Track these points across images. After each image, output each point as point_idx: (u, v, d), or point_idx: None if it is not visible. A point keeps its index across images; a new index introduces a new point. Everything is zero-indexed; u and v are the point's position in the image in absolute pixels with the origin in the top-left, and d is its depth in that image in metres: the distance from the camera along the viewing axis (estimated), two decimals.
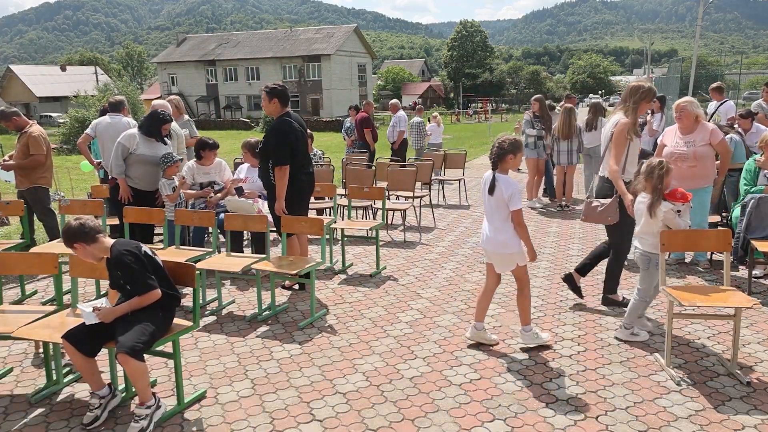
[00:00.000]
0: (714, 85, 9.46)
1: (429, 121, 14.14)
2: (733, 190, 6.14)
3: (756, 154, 5.79)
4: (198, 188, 5.83)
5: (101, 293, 4.79)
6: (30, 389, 3.41)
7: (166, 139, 5.66)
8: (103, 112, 6.72)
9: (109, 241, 3.11)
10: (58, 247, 4.88)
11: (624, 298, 4.63)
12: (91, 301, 3.18)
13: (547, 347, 3.86)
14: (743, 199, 5.20)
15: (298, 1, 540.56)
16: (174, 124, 6.44)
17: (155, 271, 3.11)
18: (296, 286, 5.20)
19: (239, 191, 5.70)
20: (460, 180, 9.64)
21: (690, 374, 3.45)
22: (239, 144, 7.30)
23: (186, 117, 7.22)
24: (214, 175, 5.88)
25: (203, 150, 5.79)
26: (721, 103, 9.14)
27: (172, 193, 5.68)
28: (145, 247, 3.15)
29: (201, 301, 4.74)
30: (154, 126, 5.44)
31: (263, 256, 4.76)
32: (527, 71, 78.53)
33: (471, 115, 49.72)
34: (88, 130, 6.34)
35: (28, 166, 5.82)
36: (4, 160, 6.01)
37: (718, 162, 5.45)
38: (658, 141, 5.61)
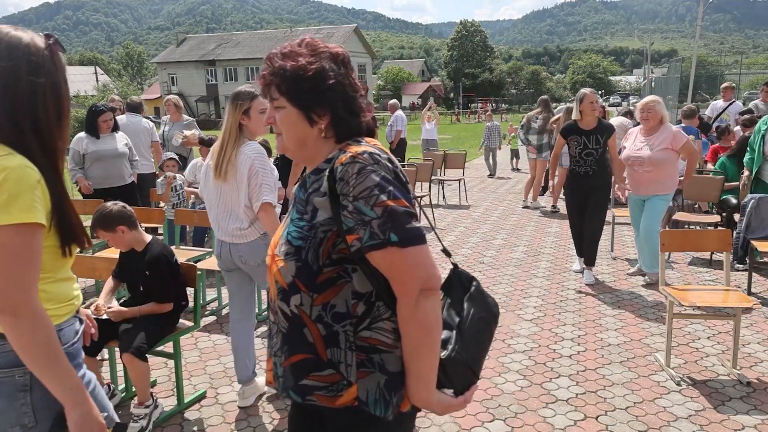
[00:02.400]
0: (725, 84, 9.56)
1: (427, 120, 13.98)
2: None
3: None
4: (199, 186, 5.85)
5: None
6: None
7: (122, 133, 5.68)
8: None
9: (146, 236, 3.09)
10: None
11: None
12: (93, 300, 3.17)
13: (546, 347, 3.86)
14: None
15: (298, 1, 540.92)
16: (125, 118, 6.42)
17: (176, 280, 3.09)
18: None
19: None
20: (459, 180, 9.64)
21: (690, 374, 3.45)
22: None
23: (185, 117, 7.18)
24: None
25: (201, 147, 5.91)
26: (730, 103, 9.19)
27: (162, 192, 5.71)
28: (176, 255, 3.15)
29: (201, 301, 4.74)
30: (90, 121, 5.45)
31: None
32: (527, 71, 78.61)
33: (475, 114, 49.14)
34: None
35: None
36: None
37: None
38: (621, 142, 5.32)
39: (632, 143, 4.98)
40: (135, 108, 6.64)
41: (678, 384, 3.33)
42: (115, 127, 5.64)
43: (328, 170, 1.31)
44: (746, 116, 7.57)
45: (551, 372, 3.52)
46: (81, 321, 1.59)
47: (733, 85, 9.69)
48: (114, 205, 3.00)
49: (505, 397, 3.22)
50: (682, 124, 7.58)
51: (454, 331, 1.38)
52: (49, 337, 1.32)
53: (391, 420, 1.33)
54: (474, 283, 1.47)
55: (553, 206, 8.45)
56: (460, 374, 1.37)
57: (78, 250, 1.50)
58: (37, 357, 1.31)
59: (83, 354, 1.60)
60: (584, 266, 5.28)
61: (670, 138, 4.74)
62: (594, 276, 5.23)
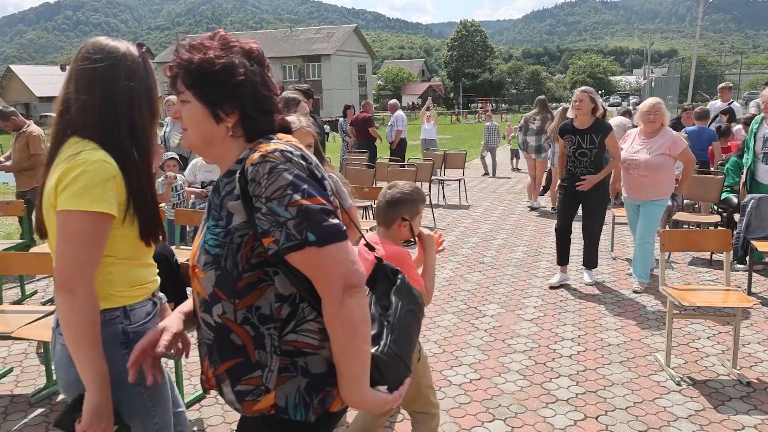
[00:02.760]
0: (722, 84, 9.50)
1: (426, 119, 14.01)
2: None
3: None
4: (199, 186, 5.85)
5: None
6: (30, 389, 3.41)
7: None
8: None
9: None
10: None
11: None
12: None
13: (546, 346, 3.86)
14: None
15: (298, 1, 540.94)
16: None
17: (177, 279, 3.09)
18: None
19: None
20: (459, 180, 9.64)
21: (690, 374, 3.45)
22: None
23: None
24: (216, 174, 5.89)
25: None
26: (729, 104, 9.18)
27: (162, 192, 5.72)
28: (177, 255, 3.13)
29: None
30: None
31: None
32: (527, 71, 78.64)
33: (475, 114, 48.79)
34: None
35: (31, 167, 5.82)
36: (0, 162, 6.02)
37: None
38: (620, 143, 5.07)
39: (630, 145, 4.86)
40: None
41: (678, 384, 3.33)
42: None
43: (239, 171, 1.25)
44: (748, 115, 7.58)
45: (551, 372, 3.52)
46: (155, 304, 1.70)
47: (731, 85, 9.65)
48: None
49: (505, 397, 3.22)
50: (695, 126, 7.53)
51: (385, 326, 1.36)
52: (94, 320, 1.43)
53: (314, 422, 1.30)
54: (399, 275, 1.45)
55: (554, 207, 8.43)
56: (392, 369, 1.34)
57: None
58: (79, 335, 1.41)
59: None
60: (583, 268, 5.25)
61: (669, 143, 4.64)
62: (594, 277, 5.22)
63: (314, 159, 1.31)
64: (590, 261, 5.18)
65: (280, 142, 1.28)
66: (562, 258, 5.22)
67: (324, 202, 1.22)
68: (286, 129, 1.37)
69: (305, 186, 1.21)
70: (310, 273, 1.22)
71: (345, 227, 1.25)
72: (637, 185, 4.78)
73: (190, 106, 1.31)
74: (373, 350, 1.29)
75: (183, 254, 4.74)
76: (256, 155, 1.23)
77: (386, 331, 1.35)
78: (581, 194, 4.94)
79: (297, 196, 1.19)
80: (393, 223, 2.26)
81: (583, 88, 4.99)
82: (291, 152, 1.24)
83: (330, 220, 1.21)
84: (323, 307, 1.24)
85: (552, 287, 5.09)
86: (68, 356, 1.48)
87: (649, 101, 4.80)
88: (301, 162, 1.24)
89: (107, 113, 1.50)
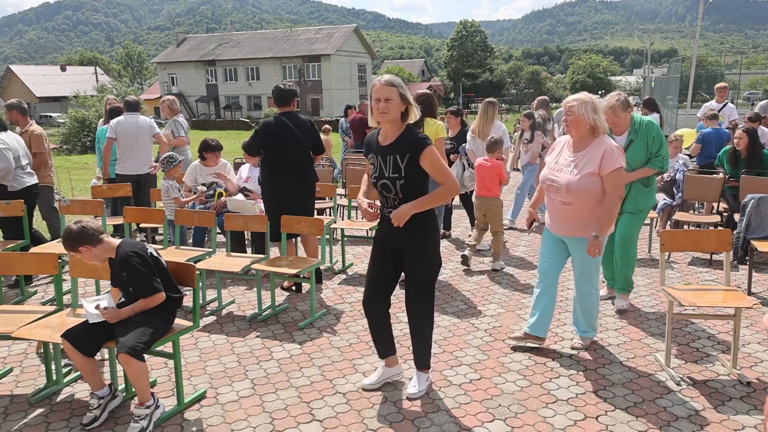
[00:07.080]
0: (719, 85, 9.47)
1: None
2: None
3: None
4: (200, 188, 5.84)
5: (101, 292, 4.78)
6: (30, 389, 3.41)
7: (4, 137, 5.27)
8: (112, 115, 6.78)
9: (115, 242, 3.08)
10: (58, 247, 4.87)
11: None
12: (94, 297, 3.17)
13: (545, 349, 3.86)
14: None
15: (298, 1, 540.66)
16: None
17: (160, 273, 3.09)
18: (294, 287, 5.18)
19: (244, 192, 5.71)
20: None
21: (690, 374, 3.45)
22: (239, 144, 7.31)
23: (177, 117, 7.32)
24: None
25: (205, 151, 5.79)
26: (723, 105, 9.17)
27: (177, 195, 5.68)
28: (151, 248, 3.13)
29: (201, 301, 4.74)
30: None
31: (263, 256, 4.75)
32: (527, 71, 78.67)
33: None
34: (109, 134, 6.43)
35: (35, 167, 5.80)
36: None
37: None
38: (546, 155, 3.95)
39: (554, 158, 3.63)
40: (134, 107, 6.66)
41: (678, 384, 3.33)
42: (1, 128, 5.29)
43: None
44: (751, 113, 7.64)
45: (551, 372, 3.52)
46: None
47: (727, 85, 9.61)
48: (75, 224, 3.00)
49: (505, 397, 3.22)
50: (709, 129, 7.49)
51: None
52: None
53: None
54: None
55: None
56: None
57: None
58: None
59: None
60: (414, 371, 3.31)
61: (599, 158, 3.34)
62: (427, 385, 3.27)
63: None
64: (423, 356, 3.23)
65: None
66: (385, 347, 3.31)
67: None
68: None
69: None
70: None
71: None
72: (560, 215, 3.57)
73: None
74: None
75: (183, 254, 4.74)
76: None
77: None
78: (394, 254, 3.14)
79: None
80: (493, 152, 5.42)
81: (386, 78, 2.92)
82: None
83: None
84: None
85: (365, 389, 3.29)
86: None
87: (567, 98, 3.50)
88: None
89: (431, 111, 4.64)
